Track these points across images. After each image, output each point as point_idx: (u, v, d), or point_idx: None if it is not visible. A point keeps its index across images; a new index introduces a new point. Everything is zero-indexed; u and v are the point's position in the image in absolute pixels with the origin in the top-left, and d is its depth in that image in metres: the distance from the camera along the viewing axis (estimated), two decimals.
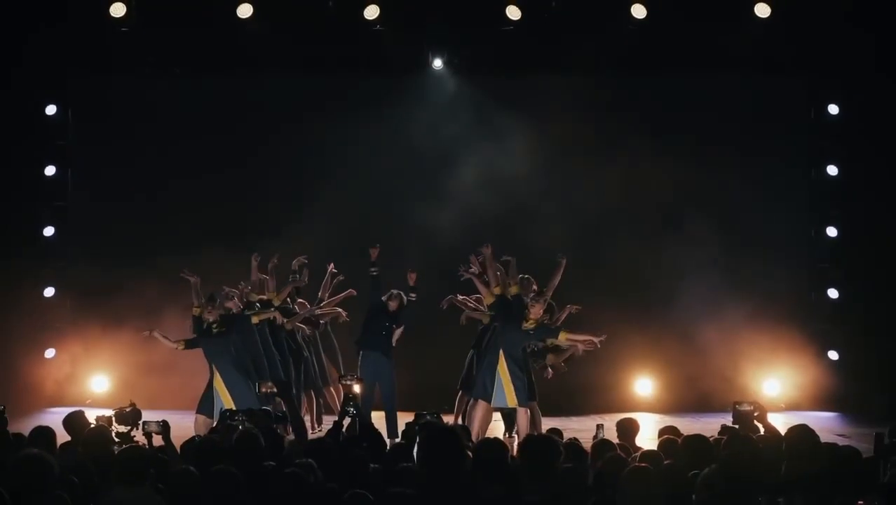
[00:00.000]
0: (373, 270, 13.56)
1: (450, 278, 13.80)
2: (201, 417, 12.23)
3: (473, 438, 10.68)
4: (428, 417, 8.94)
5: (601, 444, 8.18)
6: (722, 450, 7.24)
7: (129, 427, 8.64)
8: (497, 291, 12.91)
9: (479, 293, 13.22)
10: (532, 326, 12.56)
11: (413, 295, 13.56)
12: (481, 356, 13.12)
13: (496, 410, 12.96)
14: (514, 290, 12.82)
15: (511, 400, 12.57)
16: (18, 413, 8.93)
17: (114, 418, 8.66)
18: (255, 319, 12.77)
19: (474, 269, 13.06)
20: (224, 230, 16.27)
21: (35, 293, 16.66)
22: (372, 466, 7.30)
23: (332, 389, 14.29)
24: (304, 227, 16.08)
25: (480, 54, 16.71)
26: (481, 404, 12.76)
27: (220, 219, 16.56)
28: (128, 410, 8.77)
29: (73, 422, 8.58)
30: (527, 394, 12.62)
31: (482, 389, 12.70)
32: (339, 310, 14.30)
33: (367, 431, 8.78)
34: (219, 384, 12.31)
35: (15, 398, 12.27)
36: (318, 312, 14.17)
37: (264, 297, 13.38)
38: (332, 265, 14.25)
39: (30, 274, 16.50)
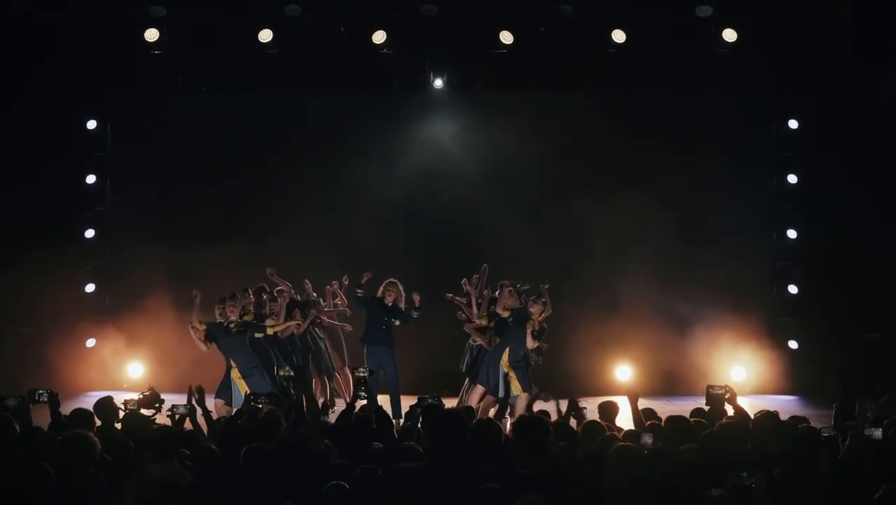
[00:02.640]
0: (358, 291, 13.38)
1: (448, 281, 13.81)
2: (220, 402, 12.27)
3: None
4: (429, 400, 8.91)
5: (590, 425, 8.13)
6: (714, 430, 7.16)
7: (152, 410, 8.62)
8: (483, 321, 12.90)
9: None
10: (537, 328, 12.60)
11: (415, 313, 13.40)
12: (481, 348, 13.07)
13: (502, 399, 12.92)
14: (506, 314, 12.74)
15: (516, 389, 12.53)
16: (62, 397, 8.86)
17: (138, 404, 8.62)
18: (270, 331, 12.80)
19: (464, 296, 13.03)
20: (246, 231, 16.33)
21: (77, 289, 16.67)
22: (380, 445, 7.28)
23: (337, 376, 14.27)
24: (317, 229, 16.26)
25: (477, 74, 16.69)
26: (479, 389, 12.74)
27: (242, 221, 16.56)
28: (147, 394, 8.73)
29: (104, 407, 8.51)
30: (527, 382, 12.60)
31: (485, 378, 12.66)
32: (346, 325, 14.28)
33: (377, 414, 8.75)
34: (235, 375, 12.35)
35: (60, 383, 12.21)
36: (326, 321, 14.17)
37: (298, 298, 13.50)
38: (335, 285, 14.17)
39: (73, 272, 16.53)
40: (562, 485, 5.94)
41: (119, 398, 8.85)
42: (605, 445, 6.58)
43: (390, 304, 13.37)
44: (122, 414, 8.30)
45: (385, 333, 13.35)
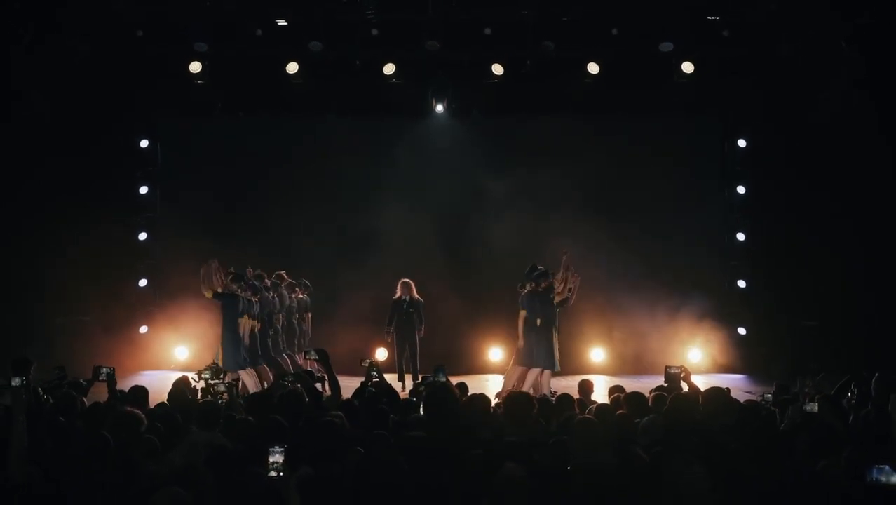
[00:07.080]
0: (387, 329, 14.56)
1: (449, 281, 13.87)
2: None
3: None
4: (431, 378, 8.95)
5: (562, 398, 8.19)
6: (669, 404, 7.21)
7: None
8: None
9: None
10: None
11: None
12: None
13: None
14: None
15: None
16: (119, 376, 8.93)
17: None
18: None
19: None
20: (272, 233, 16.42)
21: (131, 284, 16.76)
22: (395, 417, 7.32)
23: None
24: (330, 232, 16.48)
25: (472, 101, 16.75)
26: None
27: (269, 224, 16.61)
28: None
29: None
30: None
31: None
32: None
33: (386, 391, 8.79)
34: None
35: (116, 364, 12.22)
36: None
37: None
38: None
39: (128, 269, 16.66)
40: (538, 452, 6.00)
41: (170, 377, 8.93)
42: (571, 418, 6.65)
43: (407, 298, 14.48)
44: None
45: (405, 322, 14.47)
